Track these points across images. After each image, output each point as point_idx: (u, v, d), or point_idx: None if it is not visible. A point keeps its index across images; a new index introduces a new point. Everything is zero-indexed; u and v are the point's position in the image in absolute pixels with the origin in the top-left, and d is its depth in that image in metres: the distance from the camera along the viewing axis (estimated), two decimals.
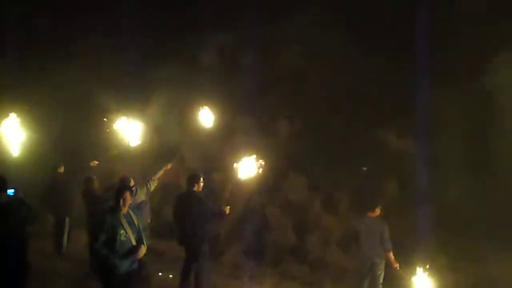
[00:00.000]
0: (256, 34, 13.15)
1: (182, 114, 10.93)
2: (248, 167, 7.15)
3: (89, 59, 13.25)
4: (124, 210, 5.72)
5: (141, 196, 8.03)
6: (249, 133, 11.83)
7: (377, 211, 8.54)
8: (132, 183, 7.72)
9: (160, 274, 8.76)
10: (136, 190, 8.01)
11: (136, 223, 5.81)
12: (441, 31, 12.22)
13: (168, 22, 13.58)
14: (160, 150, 9.62)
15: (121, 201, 5.69)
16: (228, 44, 13.55)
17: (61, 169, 9.98)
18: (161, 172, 8.25)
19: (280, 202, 12.33)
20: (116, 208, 5.73)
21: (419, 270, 6.75)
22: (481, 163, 11.68)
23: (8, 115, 8.42)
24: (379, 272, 8.34)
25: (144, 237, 5.88)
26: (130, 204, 5.86)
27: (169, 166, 8.30)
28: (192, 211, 7.42)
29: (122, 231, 5.62)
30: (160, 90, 12.66)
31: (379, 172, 12.28)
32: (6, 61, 12.86)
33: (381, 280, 8.37)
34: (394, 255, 8.24)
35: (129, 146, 9.11)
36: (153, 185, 8.16)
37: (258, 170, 7.24)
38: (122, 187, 6.02)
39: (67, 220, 9.91)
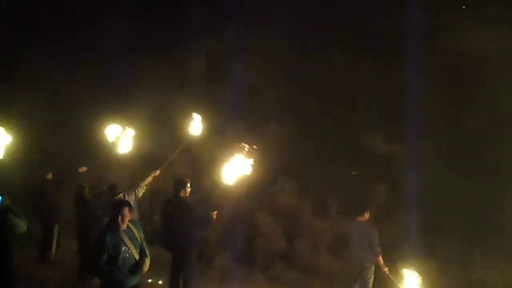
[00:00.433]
0: (244, 39, 13.18)
1: (171, 120, 10.91)
2: (235, 169, 7.11)
3: (76, 65, 13.20)
4: (124, 226, 5.49)
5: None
6: (238, 138, 11.82)
7: (366, 216, 8.57)
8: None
9: (149, 280, 8.72)
10: (125, 196, 8.00)
11: (137, 237, 5.60)
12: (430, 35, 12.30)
13: (156, 29, 13.56)
14: (148, 157, 9.57)
15: (120, 217, 5.45)
16: (217, 50, 13.54)
17: (49, 176, 9.92)
18: (149, 179, 8.22)
19: (270, 207, 12.32)
20: (114, 226, 5.48)
21: (407, 274, 6.76)
22: (470, 168, 11.74)
23: None
24: (369, 276, 8.35)
25: (146, 250, 5.67)
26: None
27: (157, 172, 8.28)
28: (179, 216, 7.41)
29: (124, 248, 5.42)
30: (148, 96, 12.66)
31: (368, 176, 12.31)
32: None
33: (371, 284, 8.39)
34: (383, 259, 8.27)
35: (117, 153, 9.09)
36: (141, 192, 8.12)
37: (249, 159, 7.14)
38: (119, 203, 5.72)
39: (55, 227, 9.85)
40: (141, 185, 8.09)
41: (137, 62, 13.14)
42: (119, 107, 12.04)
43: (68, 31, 13.50)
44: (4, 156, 8.14)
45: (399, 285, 7.47)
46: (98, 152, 10.34)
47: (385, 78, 12.86)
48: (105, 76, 13.16)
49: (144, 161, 9.57)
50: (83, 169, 10.09)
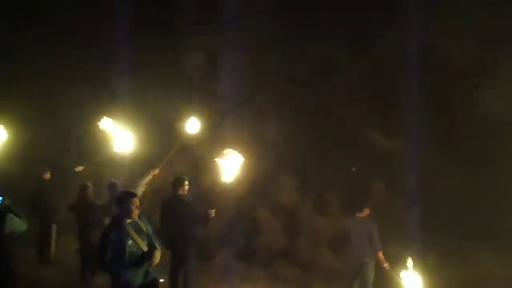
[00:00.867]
0: (244, 37, 13.17)
1: (169, 118, 10.91)
2: (231, 165, 7.12)
3: (72, 65, 13.19)
4: (132, 219, 5.29)
5: None
6: (238, 136, 11.83)
7: (366, 212, 8.60)
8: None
9: None
10: None
11: (144, 229, 5.39)
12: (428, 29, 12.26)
13: (152, 26, 13.54)
14: (147, 155, 9.57)
15: (125, 210, 5.27)
16: (215, 47, 13.52)
17: (47, 175, 9.93)
18: (149, 177, 8.23)
19: (270, 204, 12.33)
20: (119, 219, 5.29)
21: (408, 269, 6.77)
22: (469, 163, 11.74)
23: None
24: (369, 272, 8.38)
25: (156, 242, 5.44)
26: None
27: (157, 171, 8.29)
28: (178, 214, 7.44)
29: (130, 242, 5.20)
30: (145, 94, 12.66)
31: (368, 173, 12.31)
32: None
33: (371, 280, 8.41)
34: (383, 254, 8.28)
35: (115, 152, 9.10)
36: (141, 190, 8.13)
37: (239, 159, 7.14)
38: (125, 195, 5.51)
39: (54, 226, 9.85)
40: (140, 183, 8.11)
41: (134, 60, 13.12)
42: (115, 105, 12.06)
43: (64, 30, 13.47)
44: (1, 156, 8.17)
45: (399, 280, 7.48)
46: (95, 152, 10.37)
47: (384, 74, 12.85)
48: (101, 75, 13.16)
49: (142, 159, 9.55)
50: (79, 168, 10.12)
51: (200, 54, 13.56)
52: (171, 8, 13.96)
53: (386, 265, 8.24)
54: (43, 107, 12.72)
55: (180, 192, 7.65)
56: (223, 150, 7.23)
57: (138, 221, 5.38)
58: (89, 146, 10.85)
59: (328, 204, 12.39)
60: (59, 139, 12.59)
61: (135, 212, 5.32)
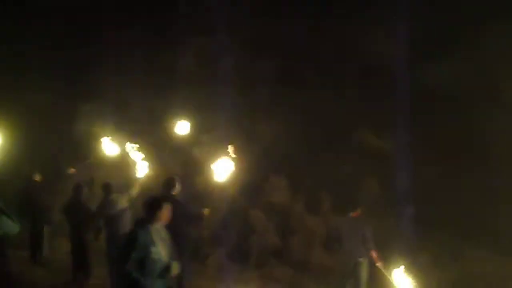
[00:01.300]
0: (234, 37, 13.17)
1: (161, 119, 10.93)
2: (224, 166, 7.14)
3: (65, 68, 13.17)
4: (158, 224, 5.16)
5: (123, 203, 8.04)
6: (230, 136, 11.85)
7: (359, 211, 8.62)
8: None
9: None
10: (119, 196, 8.03)
11: (166, 238, 5.27)
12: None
13: (145, 28, 13.53)
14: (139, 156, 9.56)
15: (157, 214, 5.11)
16: (206, 48, 13.52)
17: (37, 177, 9.89)
18: (143, 178, 8.25)
19: (263, 204, 12.35)
20: (147, 223, 5.11)
21: (399, 269, 6.81)
22: (461, 162, 11.80)
23: None
24: (363, 272, 8.40)
25: (174, 253, 5.30)
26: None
27: (150, 172, 8.30)
28: (171, 215, 7.43)
29: (153, 249, 5.02)
30: (138, 96, 12.64)
31: (360, 172, 12.35)
32: None
33: (365, 280, 8.44)
34: (376, 253, 8.31)
35: (107, 154, 9.11)
36: (134, 191, 8.15)
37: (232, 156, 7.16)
38: (158, 200, 5.32)
39: (45, 228, 9.81)
40: (134, 184, 8.13)
41: (126, 61, 13.12)
42: (108, 107, 12.05)
43: (61, 34, 13.44)
44: None
45: (392, 280, 7.51)
46: (87, 153, 10.36)
47: (375, 73, 12.88)
48: (93, 77, 13.14)
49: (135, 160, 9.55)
50: (71, 170, 10.10)
51: (192, 55, 13.55)
52: (164, 8, 13.96)
53: (379, 264, 8.27)
54: (35, 109, 12.66)
55: (173, 192, 7.65)
56: (215, 150, 7.24)
57: (161, 228, 5.25)
58: (82, 148, 10.83)
59: (321, 204, 12.43)
60: (51, 141, 12.54)
61: (164, 219, 5.20)
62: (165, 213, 5.18)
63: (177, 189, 7.69)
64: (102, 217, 8.29)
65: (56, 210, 9.79)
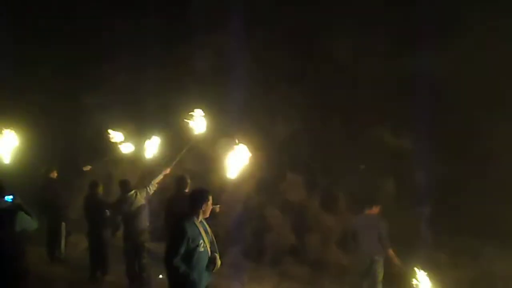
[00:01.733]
0: (251, 35, 13.15)
1: (178, 117, 10.94)
2: (239, 161, 7.12)
3: (79, 63, 13.26)
4: (204, 217, 5.17)
5: (141, 200, 8.10)
6: (247, 134, 11.85)
7: (375, 209, 8.57)
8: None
9: (160, 276, 8.75)
10: (136, 194, 8.07)
11: (209, 231, 5.26)
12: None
13: (160, 25, 13.56)
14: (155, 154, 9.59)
15: (203, 207, 5.14)
16: (223, 46, 13.53)
17: (54, 174, 9.98)
18: (160, 177, 8.29)
19: (279, 202, 12.34)
20: (193, 217, 5.13)
21: (417, 268, 6.74)
22: (480, 161, 11.66)
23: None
24: (379, 270, 8.35)
25: (216, 246, 5.29)
26: None
27: (168, 170, 8.34)
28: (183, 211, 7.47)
29: (200, 242, 5.04)
30: (154, 94, 12.69)
31: (377, 170, 12.27)
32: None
33: (381, 278, 8.38)
34: (394, 252, 8.24)
35: (123, 151, 9.17)
36: (152, 189, 8.21)
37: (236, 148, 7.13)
38: (203, 192, 5.31)
39: (63, 225, 9.90)
40: (152, 183, 8.19)
41: (141, 60, 13.17)
42: (123, 105, 12.12)
43: (70, 29, 13.52)
44: (11, 157, 8.24)
45: (409, 278, 7.45)
46: (104, 151, 10.42)
47: (393, 70, 12.77)
48: (108, 74, 13.21)
49: (151, 158, 9.59)
50: (87, 167, 10.18)
51: (209, 53, 13.56)
52: (180, 6, 13.97)
53: (397, 261, 8.20)
54: (51, 107, 12.78)
55: (185, 190, 7.70)
56: (231, 148, 7.23)
57: (204, 221, 5.27)
58: (99, 145, 10.89)
59: (337, 202, 12.38)
60: (67, 138, 12.66)
61: (208, 212, 5.22)
62: (210, 206, 5.20)
63: (189, 186, 7.74)
64: (119, 214, 8.34)
65: (73, 207, 9.88)
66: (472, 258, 10.26)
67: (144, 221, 8.16)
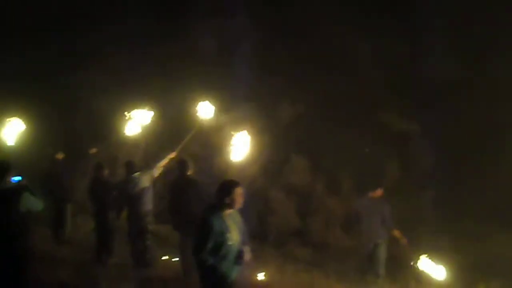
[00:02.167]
0: (257, 19, 13.07)
1: (183, 101, 10.93)
2: (243, 144, 7.14)
3: (86, 49, 13.24)
4: (232, 209, 4.98)
5: (145, 182, 8.11)
6: (251, 118, 11.84)
7: (379, 192, 8.56)
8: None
9: (163, 258, 8.83)
10: (141, 176, 8.09)
11: (239, 222, 5.08)
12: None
13: (165, 8, 13.49)
14: (160, 138, 9.62)
15: (231, 199, 4.92)
16: (228, 29, 13.45)
17: (59, 156, 10.02)
18: (165, 161, 8.30)
19: (283, 185, 12.36)
20: (221, 209, 4.94)
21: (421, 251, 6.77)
22: (484, 145, 11.63)
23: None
24: (382, 253, 8.38)
25: (247, 237, 5.11)
26: None
27: (173, 154, 8.34)
28: (188, 195, 7.49)
29: (228, 235, 4.86)
30: (159, 77, 12.66)
31: (382, 153, 12.25)
32: (6, 52, 12.83)
33: (383, 261, 8.42)
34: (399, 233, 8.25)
35: (128, 134, 9.18)
36: (157, 172, 8.21)
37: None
38: (230, 183, 5.04)
39: (68, 206, 9.97)
40: (157, 165, 8.19)
41: (147, 44, 13.13)
42: (129, 90, 12.11)
43: (77, 16, 13.49)
44: (17, 140, 8.28)
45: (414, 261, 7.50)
46: (110, 133, 10.44)
47: (401, 54, 12.68)
48: (114, 60, 13.18)
49: (156, 142, 9.61)
50: (93, 150, 10.21)
51: (213, 35, 13.49)
52: None
53: (404, 240, 8.21)
54: (57, 89, 12.80)
55: (189, 173, 7.71)
56: (236, 131, 7.24)
57: (234, 213, 5.08)
58: (104, 127, 10.91)
59: (341, 184, 12.40)
60: (73, 120, 12.68)
61: (238, 203, 5.01)
62: (238, 198, 4.98)
63: (191, 169, 7.75)
64: (124, 196, 8.37)
65: (79, 189, 9.92)
66: (477, 241, 10.26)
67: (148, 203, 8.17)
